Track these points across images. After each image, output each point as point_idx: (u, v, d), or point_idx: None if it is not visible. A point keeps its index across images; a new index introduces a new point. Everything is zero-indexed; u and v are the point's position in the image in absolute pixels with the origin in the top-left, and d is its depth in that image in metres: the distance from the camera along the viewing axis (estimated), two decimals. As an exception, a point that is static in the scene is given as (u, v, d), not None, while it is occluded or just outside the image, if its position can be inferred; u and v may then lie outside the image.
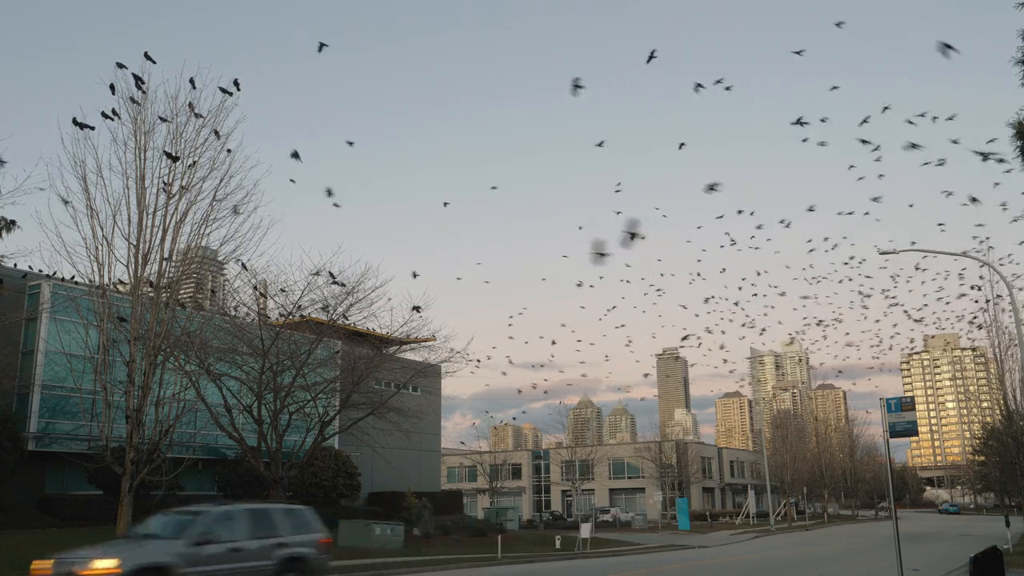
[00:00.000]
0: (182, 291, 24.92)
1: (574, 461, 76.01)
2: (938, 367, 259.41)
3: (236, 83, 21.01)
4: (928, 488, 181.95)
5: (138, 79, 19.83)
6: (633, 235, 17.45)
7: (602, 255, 18.77)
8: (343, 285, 30.56)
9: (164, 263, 20.31)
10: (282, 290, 30.33)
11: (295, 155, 20.50)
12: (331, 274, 30.17)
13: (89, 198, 19.60)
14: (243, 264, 26.97)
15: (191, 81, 20.28)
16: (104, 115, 19.63)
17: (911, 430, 20.20)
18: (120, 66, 19.96)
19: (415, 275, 41.67)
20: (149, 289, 20.18)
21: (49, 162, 68.56)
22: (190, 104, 20.56)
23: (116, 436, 20.04)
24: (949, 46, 16.41)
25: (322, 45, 19.63)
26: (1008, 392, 39.05)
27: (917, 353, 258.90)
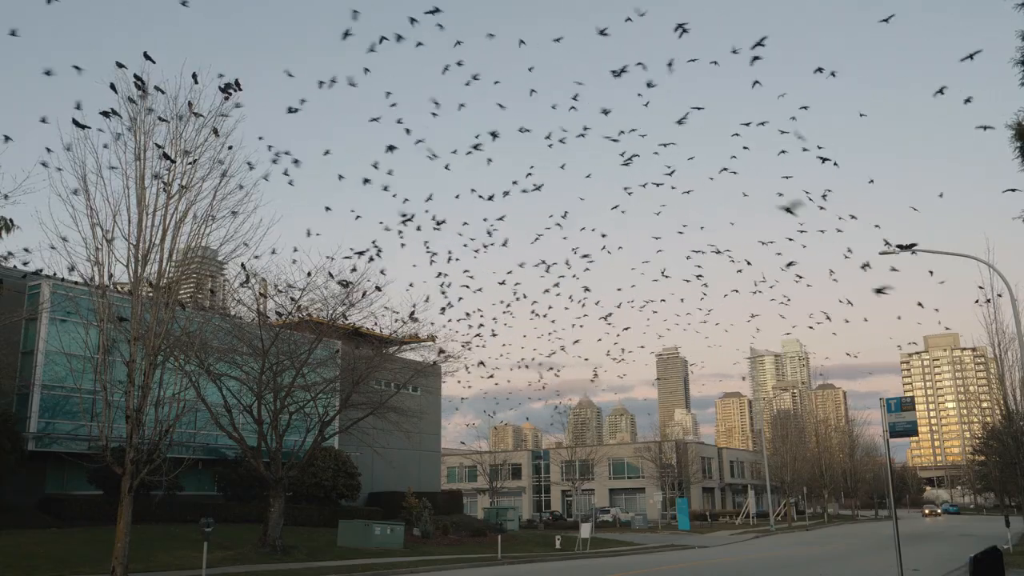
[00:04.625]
0: (182, 291, 24.89)
1: (574, 461, 76.01)
2: (938, 367, 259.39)
3: (237, 83, 20.95)
4: (928, 488, 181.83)
5: (138, 79, 19.79)
6: None
7: None
8: (345, 285, 30.56)
9: (164, 263, 20.25)
10: (279, 290, 30.36)
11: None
12: (331, 274, 30.21)
13: (89, 198, 19.56)
14: (242, 265, 26.99)
15: (193, 76, 20.17)
16: (103, 114, 19.59)
17: (911, 430, 20.21)
18: (120, 66, 19.92)
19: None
20: (149, 289, 20.14)
21: (48, 162, 68.33)
22: (190, 103, 20.53)
23: (116, 436, 19.99)
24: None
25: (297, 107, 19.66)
26: (1008, 392, 38.96)
27: (917, 353, 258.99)
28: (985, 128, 18.78)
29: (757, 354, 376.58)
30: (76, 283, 21.70)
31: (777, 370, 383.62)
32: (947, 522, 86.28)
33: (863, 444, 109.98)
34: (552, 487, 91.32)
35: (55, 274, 21.07)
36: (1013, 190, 19.26)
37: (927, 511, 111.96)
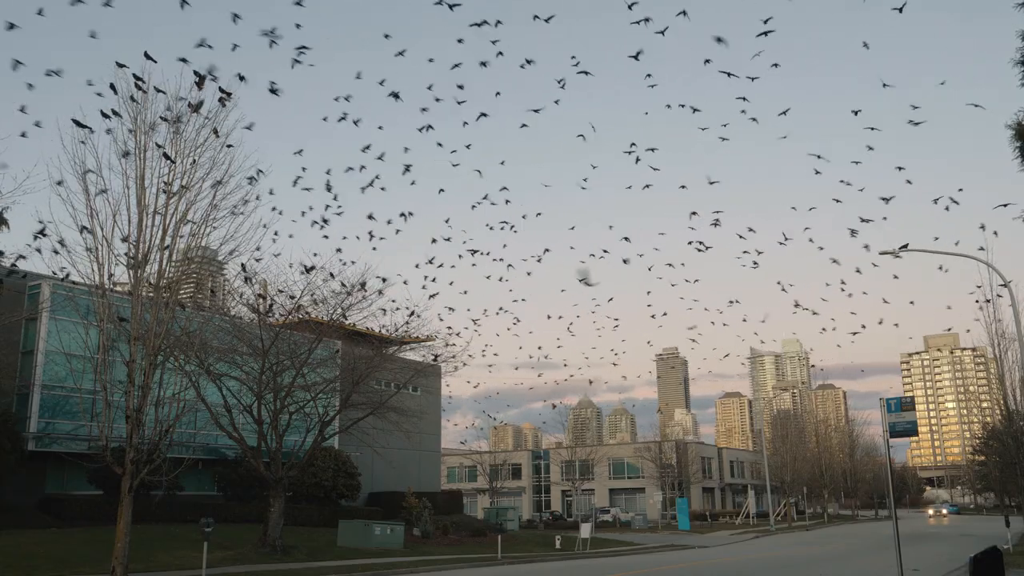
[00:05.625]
0: (182, 291, 24.89)
1: (574, 461, 76.00)
2: (938, 367, 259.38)
3: (241, 77, 20.79)
4: (928, 488, 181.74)
5: (138, 79, 19.79)
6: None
7: None
8: (345, 286, 30.56)
9: (164, 263, 20.25)
10: (280, 290, 30.36)
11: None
12: (331, 274, 30.22)
13: (89, 198, 19.57)
14: (242, 265, 26.97)
15: (195, 73, 20.12)
16: (103, 114, 19.59)
17: (911, 430, 20.21)
18: (120, 65, 19.94)
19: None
20: (149, 289, 20.14)
21: (49, 162, 68.36)
22: (190, 104, 20.53)
23: (116, 436, 20.00)
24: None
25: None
26: (1008, 392, 38.94)
27: (917, 353, 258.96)
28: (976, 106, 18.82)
29: (757, 354, 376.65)
30: (75, 283, 21.70)
31: (777, 370, 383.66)
32: (947, 522, 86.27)
33: (863, 444, 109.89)
34: (552, 487, 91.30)
35: (58, 271, 21.07)
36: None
37: (932, 512, 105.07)
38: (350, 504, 46.00)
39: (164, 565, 25.08)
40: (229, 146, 21.28)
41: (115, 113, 19.72)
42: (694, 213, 28.17)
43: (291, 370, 31.50)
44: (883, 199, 29.35)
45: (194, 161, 20.66)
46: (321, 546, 32.70)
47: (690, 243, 38.30)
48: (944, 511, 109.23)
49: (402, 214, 31.85)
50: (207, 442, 38.23)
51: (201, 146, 20.84)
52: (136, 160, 20.14)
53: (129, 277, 20.07)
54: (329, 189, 29.40)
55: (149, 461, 19.49)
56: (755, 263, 47.05)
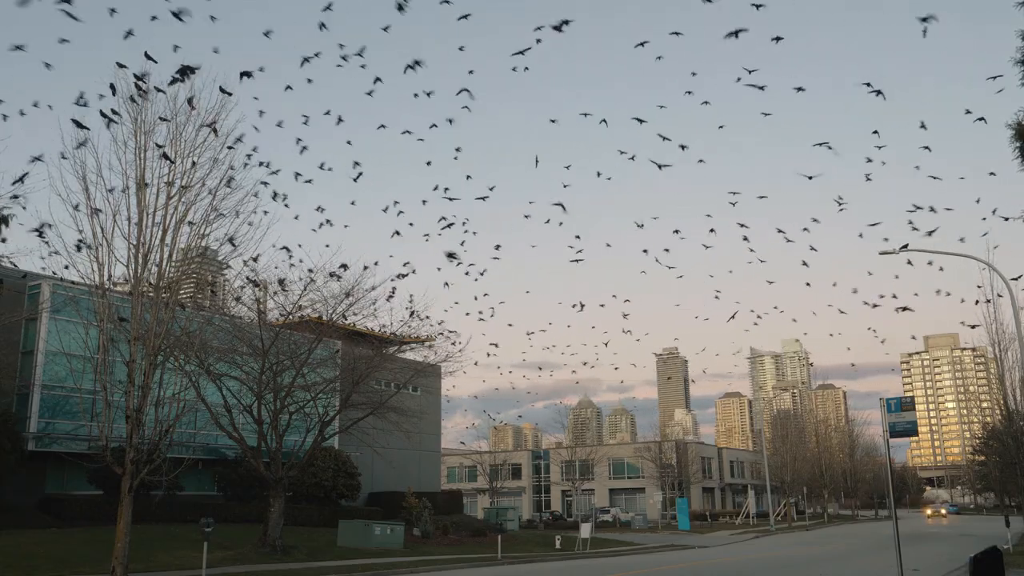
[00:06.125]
0: (182, 291, 24.88)
1: (574, 461, 76.01)
2: (938, 367, 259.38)
3: (248, 73, 20.66)
4: (928, 488, 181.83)
5: (138, 78, 19.81)
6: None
7: None
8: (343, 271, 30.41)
9: (164, 263, 20.25)
10: (283, 288, 30.34)
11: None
12: (332, 274, 30.21)
13: (89, 198, 19.58)
14: (231, 240, 26.57)
15: (187, 68, 20.02)
16: (103, 114, 19.58)
17: (911, 430, 20.22)
18: (120, 66, 19.96)
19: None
20: (149, 288, 20.15)
21: (49, 162, 68.33)
22: (189, 101, 20.53)
23: (116, 436, 20.01)
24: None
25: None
26: (1008, 392, 38.95)
27: (917, 353, 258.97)
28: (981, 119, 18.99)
29: (757, 354, 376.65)
30: (74, 283, 21.71)
31: (777, 370, 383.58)
32: (947, 522, 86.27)
33: (863, 444, 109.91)
34: (552, 487, 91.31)
35: (60, 271, 21.07)
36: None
37: (930, 512, 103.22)
38: (350, 504, 46.00)
39: (164, 565, 25.08)
40: (230, 147, 21.31)
41: (115, 113, 19.73)
42: (663, 166, 26.80)
43: (291, 370, 31.50)
44: (927, 208, 29.16)
45: (193, 163, 20.68)
46: (321, 546, 32.71)
47: (712, 230, 38.17)
48: (944, 511, 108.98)
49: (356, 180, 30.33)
50: (207, 442, 38.23)
51: (200, 146, 20.87)
52: (136, 160, 20.16)
53: (129, 277, 20.08)
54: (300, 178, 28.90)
55: (149, 461, 19.49)
56: (804, 263, 46.88)
